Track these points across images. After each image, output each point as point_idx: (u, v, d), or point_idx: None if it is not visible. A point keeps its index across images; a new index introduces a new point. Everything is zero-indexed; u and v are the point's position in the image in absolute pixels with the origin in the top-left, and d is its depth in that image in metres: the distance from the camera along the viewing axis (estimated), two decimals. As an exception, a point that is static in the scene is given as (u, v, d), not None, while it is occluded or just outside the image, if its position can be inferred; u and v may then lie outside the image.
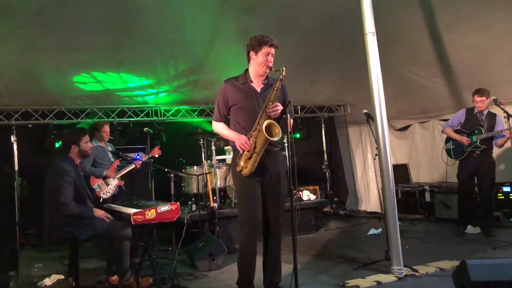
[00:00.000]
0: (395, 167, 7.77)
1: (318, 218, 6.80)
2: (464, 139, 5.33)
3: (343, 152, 8.95)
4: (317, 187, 7.03)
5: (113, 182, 5.14)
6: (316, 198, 6.69)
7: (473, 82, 6.33)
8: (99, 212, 3.60)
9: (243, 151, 3.03)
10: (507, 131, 4.86)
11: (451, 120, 5.64)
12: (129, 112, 7.00)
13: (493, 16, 4.82)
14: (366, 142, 8.90)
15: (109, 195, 5.08)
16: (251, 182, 3.09)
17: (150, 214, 3.24)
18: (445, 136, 5.71)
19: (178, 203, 3.43)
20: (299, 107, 8.11)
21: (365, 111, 4.41)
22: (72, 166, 3.57)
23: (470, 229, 5.37)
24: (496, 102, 4.79)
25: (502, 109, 4.76)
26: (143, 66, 5.87)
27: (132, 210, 3.27)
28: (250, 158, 3.01)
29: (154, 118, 7.13)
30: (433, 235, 5.51)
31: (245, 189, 3.11)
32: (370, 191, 8.84)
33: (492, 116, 5.30)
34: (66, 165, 3.51)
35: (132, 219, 3.19)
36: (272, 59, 3.12)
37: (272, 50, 3.10)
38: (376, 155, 4.06)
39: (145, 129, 5.22)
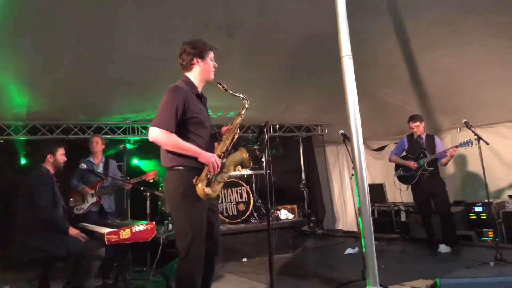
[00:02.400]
0: (372, 186, 7.91)
1: (295, 237, 6.79)
2: (411, 163, 5.63)
3: (320, 171, 9.04)
4: (295, 206, 7.05)
5: (90, 200, 5.03)
6: (294, 217, 6.71)
7: (445, 105, 6.59)
8: (73, 231, 3.53)
9: (206, 173, 2.69)
10: (451, 149, 5.27)
11: (395, 148, 6.02)
12: (106, 129, 6.90)
13: (464, 43, 5.01)
14: (343, 161, 9.02)
15: (82, 212, 4.96)
16: (205, 206, 2.76)
17: (125, 233, 3.19)
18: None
19: (154, 222, 3.38)
20: (277, 126, 8.19)
21: (342, 131, 4.48)
22: (49, 174, 3.57)
23: (443, 248, 5.46)
24: (467, 125, 4.99)
25: (473, 131, 4.94)
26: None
27: (106, 230, 3.21)
28: (214, 180, 2.72)
29: (138, 137, 7.03)
30: (408, 255, 5.57)
31: (200, 214, 2.71)
32: (347, 210, 8.92)
33: (431, 138, 5.71)
34: (45, 172, 3.54)
35: (105, 239, 3.13)
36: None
37: (213, 54, 2.94)
38: (352, 174, 4.12)
39: (122, 146, 5.15)
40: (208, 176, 2.68)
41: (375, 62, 5.67)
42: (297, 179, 8.72)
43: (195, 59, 2.86)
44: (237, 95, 2.94)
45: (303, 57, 5.49)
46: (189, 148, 2.67)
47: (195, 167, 2.69)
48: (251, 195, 6.30)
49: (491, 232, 5.82)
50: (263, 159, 6.55)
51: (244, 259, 5.72)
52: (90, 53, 4.69)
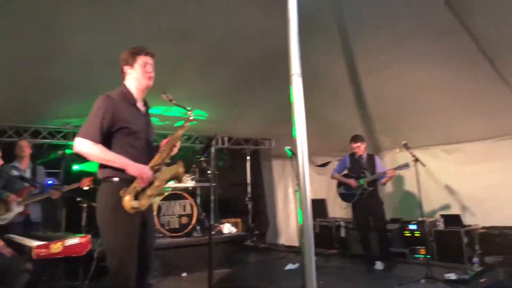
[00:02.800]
0: (314, 201, 8.08)
1: (238, 251, 6.74)
2: (352, 182, 5.84)
3: (266, 184, 9.08)
4: (239, 219, 7.02)
5: (16, 209, 4.60)
6: (237, 231, 6.66)
7: (387, 126, 6.89)
8: (-3, 243, 3.25)
9: (135, 185, 2.57)
10: (389, 171, 5.58)
11: (337, 166, 6.25)
12: (44, 133, 6.51)
13: (403, 69, 5.29)
14: (289, 176, 9.12)
15: (5, 222, 4.50)
16: (136, 221, 2.61)
17: (56, 247, 2.98)
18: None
19: (90, 235, 3.20)
20: (226, 138, 8.15)
21: (288, 148, 4.54)
22: None
23: (379, 265, 5.65)
24: (405, 146, 5.25)
25: (411, 153, 5.20)
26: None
27: (34, 243, 2.98)
28: (143, 193, 2.60)
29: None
30: (346, 271, 5.71)
31: (130, 229, 2.56)
32: (289, 224, 9.01)
33: (371, 158, 5.97)
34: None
35: (33, 253, 2.90)
36: (152, 69, 2.81)
37: (150, 60, 2.80)
38: (296, 190, 4.17)
39: (60, 152, 4.86)
40: (137, 188, 2.56)
41: (324, 82, 5.83)
42: (243, 192, 8.70)
43: (125, 67, 2.79)
44: (182, 106, 2.86)
45: (257, 71, 5.53)
46: (115, 159, 2.56)
47: (129, 179, 2.57)
48: (194, 208, 6.18)
49: (423, 250, 6.11)
50: (209, 172, 6.47)
51: (184, 274, 5.58)
52: (30, 49, 4.39)
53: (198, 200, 6.81)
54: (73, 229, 4.10)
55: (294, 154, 4.17)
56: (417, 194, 5.12)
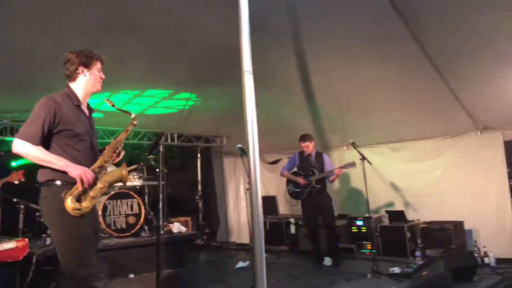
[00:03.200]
0: (265, 198, 8.12)
1: (188, 251, 6.63)
2: (300, 180, 5.95)
3: (217, 182, 9.00)
4: (189, 218, 6.91)
5: None
6: (187, 230, 6.54)
7: (335, 125, 7.05)
8: None
9: (77, 187, 2.51)
10: (336, 169, 5.72)
11: (287, 164, 6.33)
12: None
13: (352, 69, 5.42)
14: (240, 173, 9.10)
15: None
16: (87, 220, 2.56)
17: (-11, 252, 2.76)
18: None
19: (27, 239, 3.00)
20: (176, 135, 7.98)
21: (239, 145, 4.51)
22: None
23: (327, 261, 5.77)
24: (353, 145, 5.39)
25: (358, 151, 5.34)
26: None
27: (-37, 248, 2.74)
28: (84, 195, 2.54)
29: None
30: (296, 268, 5.77)
31: (83, 229, 2.52)
32: (240, 222, 9.00)
33: (319, 156, 6.11)
34: None
35: (-38, 259, 2.67)
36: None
37: (100, 65, 2.84)
38: (247, 189, 4.14)
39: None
40: (79, 190, 2.51)
41: (275, 80, 5.85)
42: (193, 190, 8.57)
43: (80, 68, 2.74)
44: (125, 111, 2.87)
45: (208, 67, 5.44)
46: (55, 161, 2.51)
47: (71, 181, 2.52)
48: (142, 207, 5.99)
49: (369, 245, 6.32)
50: (158, 170, 6.30)
51: (131, 275, 5.40)
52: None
53: (146, 199, 6.62)
54: (10, 232, 3.82)
55: (245, 151, 4.16)
56: (364, 191, 5.28)
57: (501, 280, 4.48)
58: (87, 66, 2.74)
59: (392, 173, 6.92)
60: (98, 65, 2.80)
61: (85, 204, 2.50)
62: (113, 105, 2.87)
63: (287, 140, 7.89)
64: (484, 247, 5.45)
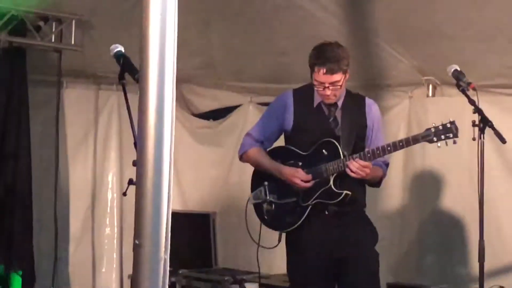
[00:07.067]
0: (183, 217, 5.92)
1: None
2: (298, 175, 5.20)
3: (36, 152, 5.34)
4: None
5: None
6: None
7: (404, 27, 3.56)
8: None
9: None
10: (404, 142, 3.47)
11: (257, 126, 5.52)
12: None
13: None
14: (111, 136, 4.14)
15: None
16: None
17: None
18: None
19: None
20: None
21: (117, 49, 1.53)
22: None
23: None
24: (460, 83, 2.81)
25: (471, 100, 2.58)
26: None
27: None
28: None
29: None
30: None
31: None
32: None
33: (358, 107, 5.01)
34: None
35: None
36: None
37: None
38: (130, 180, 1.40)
39: None
40: None
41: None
42: None
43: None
44: None
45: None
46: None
47: None
48: None
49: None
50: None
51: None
52: None
53: None
54: None
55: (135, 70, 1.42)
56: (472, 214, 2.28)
57: None
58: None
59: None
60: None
61: None
62: None
63: (261, 49, 3.69)
64: None
